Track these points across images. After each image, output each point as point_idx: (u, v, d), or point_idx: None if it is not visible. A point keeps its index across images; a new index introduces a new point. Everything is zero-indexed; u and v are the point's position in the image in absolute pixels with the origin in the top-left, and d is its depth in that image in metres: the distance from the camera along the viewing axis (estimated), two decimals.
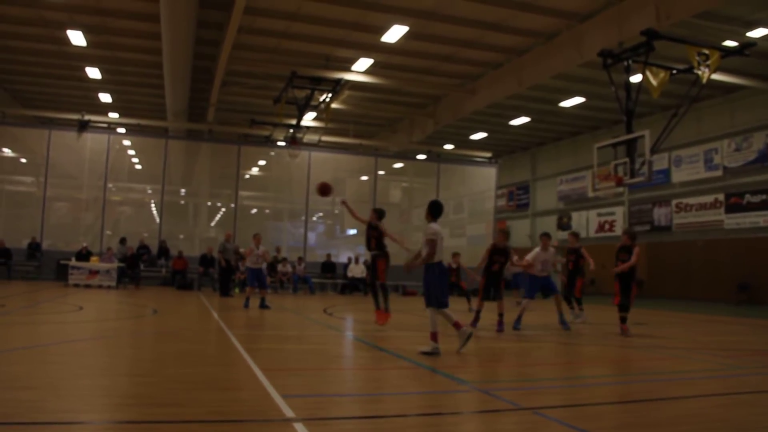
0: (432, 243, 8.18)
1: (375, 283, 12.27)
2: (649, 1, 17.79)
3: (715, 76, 17.10)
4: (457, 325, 8.44)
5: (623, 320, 11.81)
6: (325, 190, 12.31)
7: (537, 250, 12.80)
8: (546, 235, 12.94)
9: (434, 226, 8.36)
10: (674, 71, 16.45)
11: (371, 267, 12.72)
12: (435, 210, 8.50)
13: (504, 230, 12.81)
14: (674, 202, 29.45)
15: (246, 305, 15.48)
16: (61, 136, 26.29)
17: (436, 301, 8.27)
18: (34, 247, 24.48)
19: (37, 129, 27.38)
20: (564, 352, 9.86)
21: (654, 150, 15.85)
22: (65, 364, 6.88)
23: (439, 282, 8.30)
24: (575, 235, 14.21)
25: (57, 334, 9.48)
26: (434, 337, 8.15)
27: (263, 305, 15.50)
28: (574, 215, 36.25)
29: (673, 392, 6.57)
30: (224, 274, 20.75)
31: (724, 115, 27.47)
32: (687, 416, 5.44)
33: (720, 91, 26.35)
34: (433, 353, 8.03)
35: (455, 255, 18.22)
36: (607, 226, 33.51)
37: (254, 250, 15.96)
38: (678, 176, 29.36)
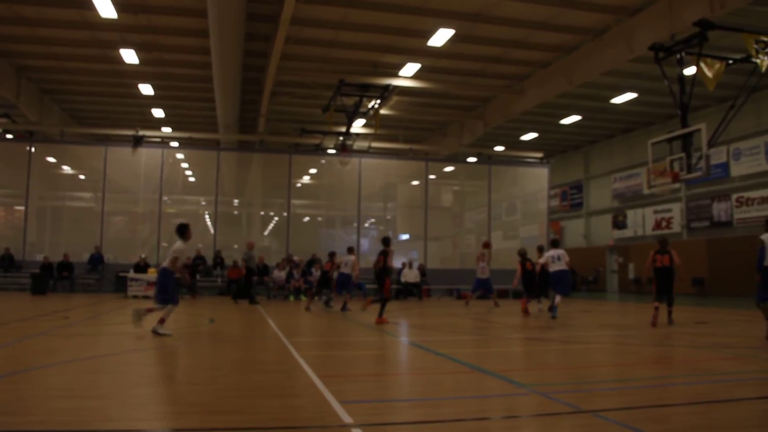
0: None
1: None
2: None
3: None
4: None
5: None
6: None
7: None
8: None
9: None
10: (730, 61, 15.98)
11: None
12: None
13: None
14: (734, 196, 28.59)
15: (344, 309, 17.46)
16: (117, 152, 26.97)
17: None
18: (97, 259, 25.10)
19: (94, 146, 28.15)
20: (623, 353, 9.65)
21: (711, 143, 15.42)
22: (128, 373, 7.03)
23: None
24: (659, 241, 14.12)
25: (118, 344, 9.70)
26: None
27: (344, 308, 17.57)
28: (630, 213, 35.53)
29: (740, 393, 6.37)
30: (248, 281, 21.15)
31: None
32: (755, 418, 5.28)
33: None
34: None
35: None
36: (664, 224, 32.74)
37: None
38: (738, 170, 28.49)
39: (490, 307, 19.58)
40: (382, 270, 14.13)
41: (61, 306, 17.46)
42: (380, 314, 13.78)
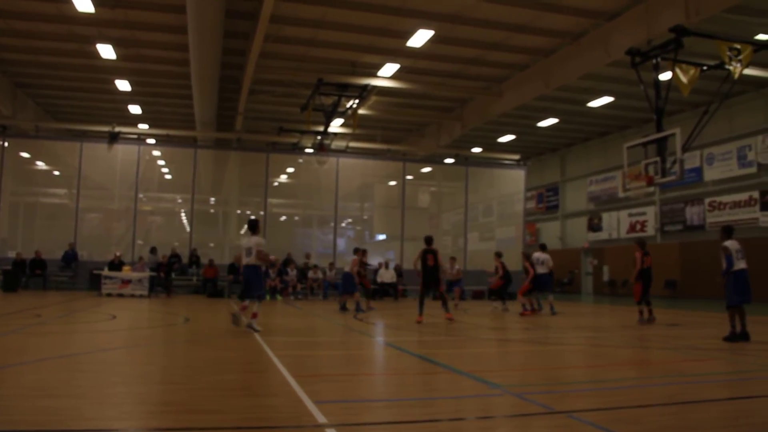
0: None
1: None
2: None
3: (748, 71, 16.75)
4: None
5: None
6: None
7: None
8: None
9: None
10: (705, 67, 16.17)
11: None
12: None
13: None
14: (707, 200, 29.00)
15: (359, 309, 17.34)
16: (92, 148, 26.65)
17: None
18: (71, 256, 24.79)
19: (69, 142, 27.82)
20: (597, 354, 9.74)
21: (685, 148, 15.59)
22: (100, 372, 6.96)
23: None
24: (637, 242, 15.12)
25: (91, 342, 9.60)
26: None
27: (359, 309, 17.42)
28: (605, 216, 35.87)
29: (711, 394, 6.45)
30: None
31: (757, 110, 26.99)
32: (726, 418, 5.34)
33: (753, 86, 25.87)
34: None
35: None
36: (638, 227, 33.09)
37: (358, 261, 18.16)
38: (710, 174, 28.90)
39: (465, 309, 19.66)
40: (435, 268, 14.50)
41: (34, 304, 17.25)
42: (447, 309, 14.48)
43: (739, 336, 10.60)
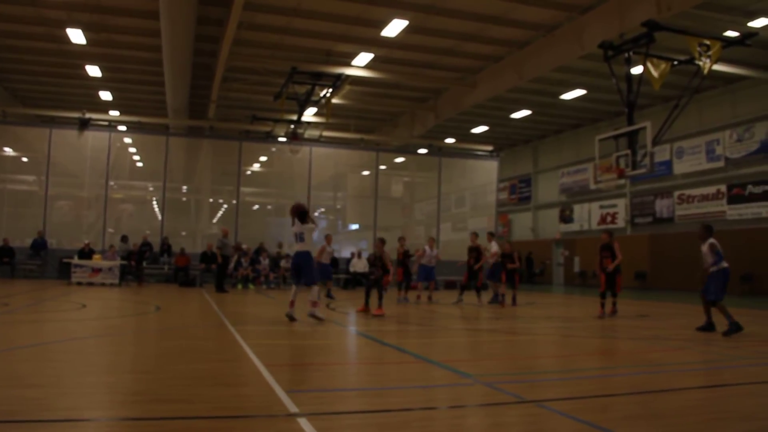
0: None
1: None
2: None
3: (717, 67, 17.03)
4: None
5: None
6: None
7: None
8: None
9: None
10: (675, 62, 16.40)
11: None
12: None
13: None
14: (676, 193, 29.39)
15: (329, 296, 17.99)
16: (62, 134, 26.24)
17: None
18: (40, 244, 24.44)
19: (38, 128, 27.33)
20: (567, 344, 9.86)
21: (656, 141, 15.82)
22: (69, 361, 6.89)
23: None
24: (608, 232, 14.50)
25: (61, 332, 9.50)
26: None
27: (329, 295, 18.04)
28: (576, 208, 36.21)
29: (679, 383, 6.57)
30: (221, 269, 20.86)
31: (725, 105, 27.39)
32: (693, 407, 5.43)
33: (721, 81, 26.27)
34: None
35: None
36: (609, 219, 33.46)
37: (326, 247, 18.64)
38: (680, 168, 29.28)
39: (437, 300, 19.61)
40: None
41: (1, 292, 16.99)
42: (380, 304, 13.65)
43: (706, 326, 10.81)
